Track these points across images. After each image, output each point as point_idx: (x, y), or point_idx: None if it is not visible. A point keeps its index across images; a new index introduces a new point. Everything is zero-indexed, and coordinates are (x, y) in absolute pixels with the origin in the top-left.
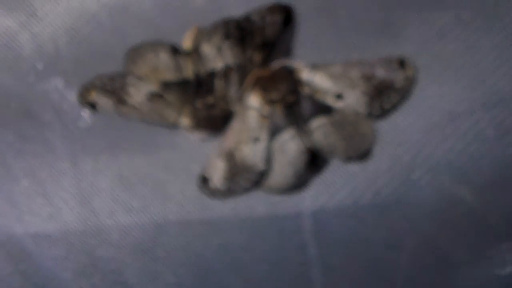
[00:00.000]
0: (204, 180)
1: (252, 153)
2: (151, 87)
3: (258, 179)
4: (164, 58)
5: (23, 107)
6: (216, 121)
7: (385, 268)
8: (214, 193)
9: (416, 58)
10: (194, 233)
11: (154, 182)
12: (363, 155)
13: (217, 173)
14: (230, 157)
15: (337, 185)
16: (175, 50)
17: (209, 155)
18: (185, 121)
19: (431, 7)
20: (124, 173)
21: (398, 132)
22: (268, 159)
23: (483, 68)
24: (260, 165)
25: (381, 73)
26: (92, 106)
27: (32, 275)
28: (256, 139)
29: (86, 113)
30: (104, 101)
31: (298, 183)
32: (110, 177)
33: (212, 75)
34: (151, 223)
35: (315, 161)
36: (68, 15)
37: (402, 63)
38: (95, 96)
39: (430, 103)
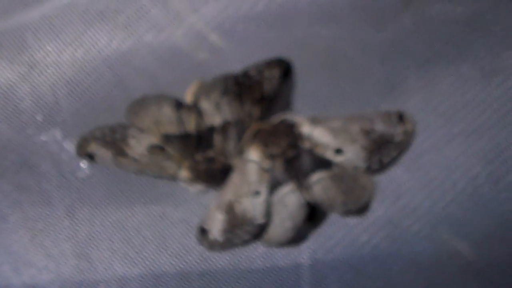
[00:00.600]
0: (203, 232)
1: (251, 206)
2: (152, 139)
3: (258, 232)
4: (167, 111)
5: (21, 157)
6: (215, 175)
7: None
8: (213, 245)
9: (415, 112)
10: (192, 285)
11: (153, 233)
12: (362, 208)
13: (216, 225)
14: (230, 209)
15: (335, 237)
16: (178, 104)
17: (208, 207)
18: (184, 173)
19: (430, 62)
20: (122, 223)
21: (397, 185)
22: (268, 212)
23: (481, 123)
24: (259, 218)
25: (380, 127)
26: (90, 157)
27: None
28: (256, 192)
29: (85, 164)
30: (102, 152)
31: (297, 236)
32: (108, 227)
33: (211, 129)
34: (149, 274)
35: (314, 214)
36: (69, 67)
37: (401, 117)
38: (94, 147)
39: (428, 157)
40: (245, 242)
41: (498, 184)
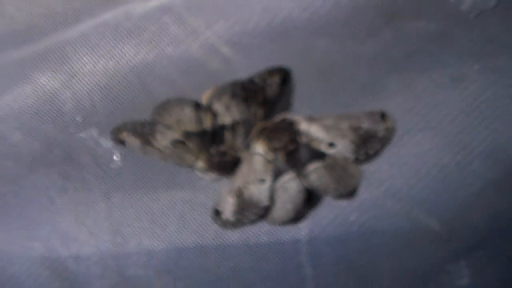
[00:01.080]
0: (217, 213)
1: (258, 191)
2: (175, 135)
3: (263, 213)
4: (187, 112)
5: (64, 152)
6: (226, 166)
7: (367, 284)
8: (225, 224)
9: (394, 112)
10: (209, 257)
11: (175, 214)
12: (351, 193)
13: (228, 207)
14: (239, 194)
15: (329, 217)
16: (197, 106)
17: (221, 193)
18: (201, 164)
19: (408, 70)
20: (150, 206)
21: (380, 174)
22: (272, 197)
23: (450, 120)
24: (264, 201)
25: (366, 124)
26: (122, 143)
27: None
28: (261, 180)
29: (117, 157)
30: (132, 140)
31: (297, 216)
32: (138, 209)
33: (223, 128)
34: (172, 248)
35: (311, 198)
36: (103, 76)
37: (383, 116)
38: (126, 136)
39: (406, 149)
40: (253, 222)
41: (463, 172)
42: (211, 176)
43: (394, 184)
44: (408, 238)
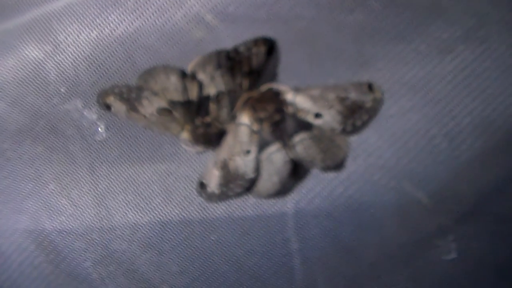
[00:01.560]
0: (202, 186)
1: (243, 163)
2: (162, 103)
3: (249, 185)
4: (173, 80)
5: (49, 123)
6: (210, 138)
7: (354, 258)
8: (211, 197)
9: (382, 83)
10: (194, 230)
11: (160, 187)
12: (338, 165)
13: (214, 180)
14: (225, 166)
15: (315, 190)
16: (183, 75)
17: (206, 165)
18: (185, 135)
19: (395, 41)
20: (134, 179)
21: (367, 145)
22: (257, 169)
23: (437, 92)
24: (250, 173)
25: (353, 95)
26: (107, 107)
27: (59, 263)
28: (247, 152)
29: (102, 128)
30: (118, 105)
31: (283, 189)
32: (122, 182)
33: (207, 98)
34: (157, 221)
35: (297, 170)
36: (87, 46)
37: (370, 87)
38: (112, 100)
39: (394, 121)
40: (238, 194)
41: (451, 143)
42: (196, 148)
43: (382, 156)
44: (396, 211)
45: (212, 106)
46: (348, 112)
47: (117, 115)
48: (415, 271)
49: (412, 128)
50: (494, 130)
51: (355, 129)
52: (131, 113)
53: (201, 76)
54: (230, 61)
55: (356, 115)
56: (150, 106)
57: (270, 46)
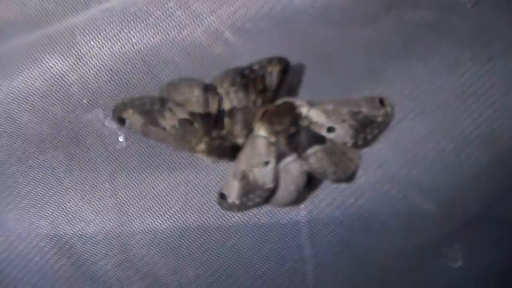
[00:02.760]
0: (223, 197)
1: (262, 174)
2: (184, 114)
3: (268, 195)
4: (196, 92)
5: (71, 133)
6: (225, 150)
7: (364, 265)
8: (231, 208)
9: (393, 98)
10: (210, 236)
11: (178, 194)
12: (349, 176)
13: (234, 191)
14: (244, 177)
15: (328, 199)
16: (206, 88)
17: (225, 177)
18: (202, 147)
19: (406, 57)
20: (153, 186)
21: (378, 157)
22: (276, 179)
23: (446, 106)
24: (269, 183)
25: (365, 109)
26: (121, 121)
27: (79, 267)
28: (265, 162)
29: (122, 138)
30: (135, 119)
31: (298, 198)
32: (142, 189)
33: (223, 112)
34: (175, 228)
35: (310, 181)
36: (109, 59)
37: (382, 102)
38: (130, 114)
39: (404, 134)
40: (258, 204)
41: (460, 156)
42: (209, 159)
43: (391, 168)
44: (405, 220)
45: (226, 121)
46: (360, 127)
47: (131, 128)
48: (422, 278)
49: (421, 141)
50: (501, 143)
51: (366, 143)
52: (148, 126)
53: (220, 90)
54: (245, 79)
55: (368, 129)
56: (172, 118)
57: (284, 66)
